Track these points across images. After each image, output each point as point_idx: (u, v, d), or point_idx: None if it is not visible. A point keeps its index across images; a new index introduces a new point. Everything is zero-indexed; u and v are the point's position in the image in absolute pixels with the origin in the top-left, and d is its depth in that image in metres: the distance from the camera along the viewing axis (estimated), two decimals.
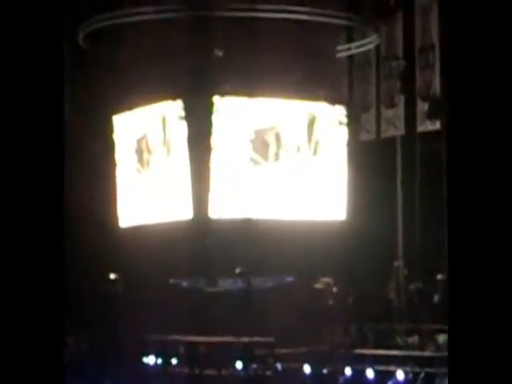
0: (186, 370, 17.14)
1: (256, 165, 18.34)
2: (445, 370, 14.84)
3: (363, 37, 19.80)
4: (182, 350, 17.47)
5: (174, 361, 17.32)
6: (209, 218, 18.06)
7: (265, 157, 18.35)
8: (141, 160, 19.35)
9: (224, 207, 18.22)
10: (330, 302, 17.95)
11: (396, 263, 19.11)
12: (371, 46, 19.77)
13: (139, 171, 19.56)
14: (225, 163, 18.11)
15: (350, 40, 20.20)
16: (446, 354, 15.31)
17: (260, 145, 18.32)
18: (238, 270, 17.87)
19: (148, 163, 19.21)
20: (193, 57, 18.22)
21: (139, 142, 19.38)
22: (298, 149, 18.59)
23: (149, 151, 18.98)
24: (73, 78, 17.64)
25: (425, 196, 19.70)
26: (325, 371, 16.57)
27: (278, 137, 18.37)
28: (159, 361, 17.44)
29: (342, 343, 17.31)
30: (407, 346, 17.32)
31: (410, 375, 16.03)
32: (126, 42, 18.95)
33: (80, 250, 18.54)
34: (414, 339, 17.67)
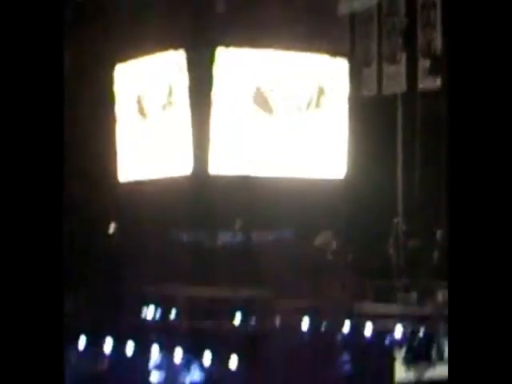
0: (184, 323, 17.17)
1: (257, 119, 18.32)
2: (443, 327, 15.23)
3: None
4: (180, 302, 17.49)
5: (172, 313, 17.30)
6: (208, 173, 18.12)
7: (266, 110, 18.33)
8: (141, 112, 19.30)
9: (224, 163, 18.26)
10: (330, 257, 18.24)
11: (395, 220, 19.60)
12: (373, 3, 19.95)
13: (139, 124, 19.51)
14: (226, 117, 18.06)
15: None
16: (444, 311, 15.60)
17: (261, 99, 18.22)
18: (237, 224, 17.98)
19: (148, 116, 19.15)
20: (196, 7, 18.10)
21: (140, 93, 19.32)
22: (299, 104, 18.57)
23: (149, 103, 18.94)
24: (75, 27, 17.69)
25: (424, 153, 20.18)
26: (323, 326, 16.70)
27: (278, 91, 18.39)
28: (158, 313, 17.43)
29: (340, 298, 17.70)
30: (406, 303, 17.69)
31: (409, 332, 16.47)
32: None
33: (79, 204, 18.78)
34: (413, 296, 18.02)
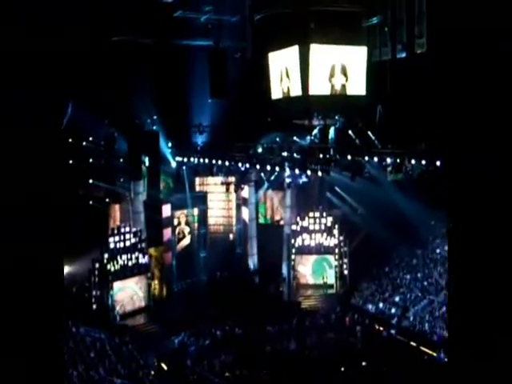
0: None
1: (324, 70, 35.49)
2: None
3: None
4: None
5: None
6: (308, 94, 34.32)
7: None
8: (281, 73, 36.16)
9: (313, 90, 34.45)
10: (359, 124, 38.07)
11: (379, 107, 37.03)
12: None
13: (278, 77, 36.64)
14: (313, 72, 34.43)
15: None
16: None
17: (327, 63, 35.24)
18: (319, 116, 36.75)
19: (285, 74, 35.97)
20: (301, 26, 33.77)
21: (279, 65, 35.93)
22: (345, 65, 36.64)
23: (281, 66, 35.99)
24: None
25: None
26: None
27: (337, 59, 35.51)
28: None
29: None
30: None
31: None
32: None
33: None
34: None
